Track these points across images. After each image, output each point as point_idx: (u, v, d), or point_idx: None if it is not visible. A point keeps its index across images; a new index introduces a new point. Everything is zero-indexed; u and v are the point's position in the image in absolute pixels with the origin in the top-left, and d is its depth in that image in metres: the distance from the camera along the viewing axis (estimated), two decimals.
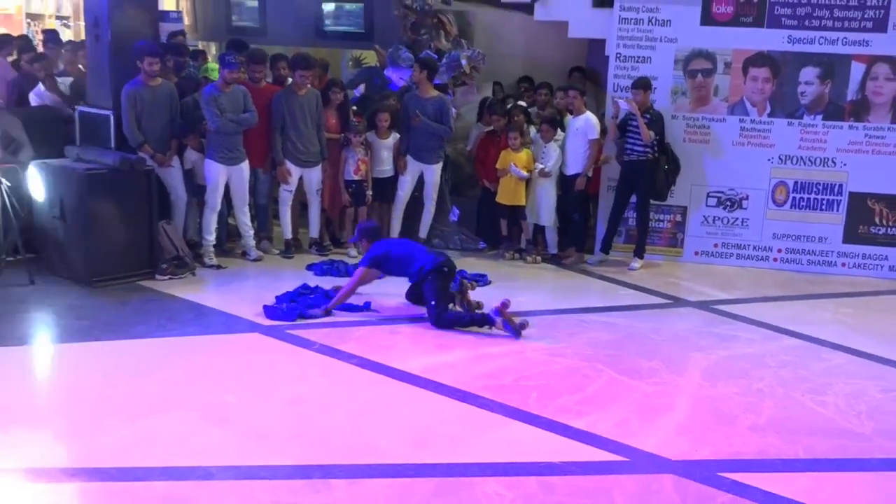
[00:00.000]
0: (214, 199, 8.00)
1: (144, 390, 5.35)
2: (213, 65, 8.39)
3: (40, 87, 8.70)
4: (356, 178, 8.63)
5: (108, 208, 7.29)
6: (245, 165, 8.08)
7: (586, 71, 9.68)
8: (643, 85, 8.45)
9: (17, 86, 8.92)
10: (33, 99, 8.63)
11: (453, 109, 8.90)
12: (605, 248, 8.81)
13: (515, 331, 6.52)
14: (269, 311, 6.74)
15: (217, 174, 7.93)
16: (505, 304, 6.59)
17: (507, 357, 6.17)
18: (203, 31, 11.58)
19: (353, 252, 8.61)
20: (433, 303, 6.68)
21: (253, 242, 8.37)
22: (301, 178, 8.45)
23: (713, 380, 5.90)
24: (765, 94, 8.79)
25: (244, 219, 8.25)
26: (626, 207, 8.74)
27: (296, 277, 7.78)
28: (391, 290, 7.29)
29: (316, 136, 8.37)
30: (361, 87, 9.39)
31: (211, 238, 8.07)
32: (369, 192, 8.72)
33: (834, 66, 8.64)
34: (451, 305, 6.82)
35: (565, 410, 5.27)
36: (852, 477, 4.72)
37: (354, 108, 9.07)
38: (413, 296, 7.09)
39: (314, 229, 8.71)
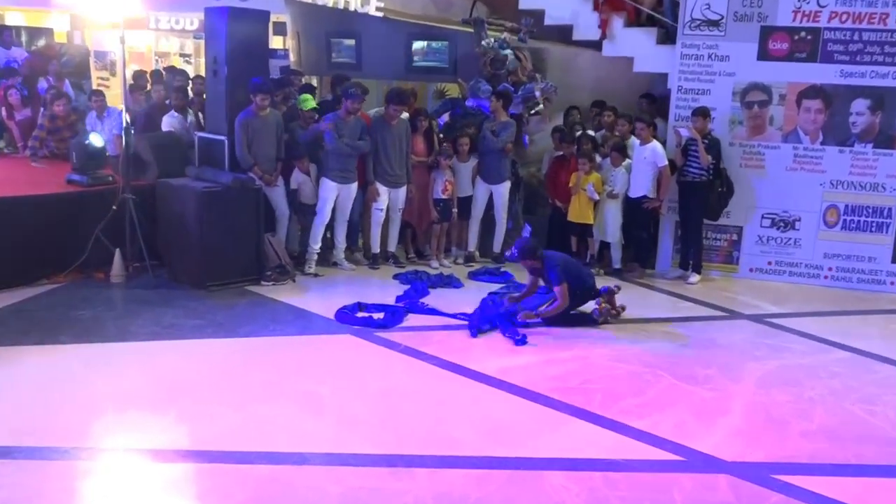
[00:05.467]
0: (324, 213, 8.09)
1: (250, 382, 5.43)
2: (306, 96, 8.40)
3: (174, 112, 8.94)
4: (443, 196, 8.66)
5: (222, 222, 7.43)
6: (355, 186, 8.18)
7: (656, 98, 9.48)
8: (702, 112, 8.30)
9: (147, 115, 9.19)
10: (164, 124, 8.86)
11: (526, 136, 8.85)
12: (685, 264, 8.64)
13: (599, 315, 6.86)
14: (340, 315, 6.81)
15: (330, 190, 8.03)
16: (610, 291, 6.90)
17: (574, 362, 6.09)
18: (306, 67, 11.76)
19: (435, 264, 8.64)
20: (549, 307, 6.87)
21: (343, 255, 8.41)
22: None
23: (766, 387, 5.72)
24: (817, 124, 8.51)
25: (341, 233, 8.31)
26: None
27: (383, 286, 7.84)
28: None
29: (404, 161, 8.42)
30: (446, 116, 9.41)
31: (316, 247, 8.16)
32: (455, 210, 8.74)
33: (884, 98, 8.32)
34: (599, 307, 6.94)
35: (627, 412, 5.17)
36: None
37: (441, 135, 9.09)
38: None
39: (393, 243, 8.73)
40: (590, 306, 7.04)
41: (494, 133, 8.61)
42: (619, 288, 7.19)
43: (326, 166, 8.07)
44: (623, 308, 7.04)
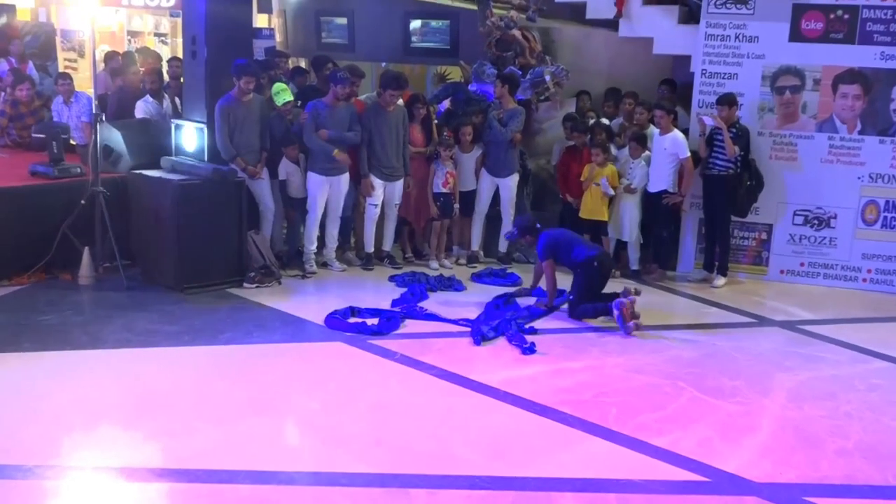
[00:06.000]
0: (316, 210, 8.12)
1: (232, 395, 5.44)
2: (280, 87, 8.14)
3: (148, 97, 8.95)
4: (444, 190, 8.68)
5: (201, 218, 7.45)
6: (345, 178, 8.21)
7: (677, 84, 9.50)
8: (728, 101, 8.31)
9: (119, 101, 9.21)
10: (138, 111, 8.88)
11: (537, 126, 8.87)
12: (709, 266, 8.66)
13: (626, 327, 6.89)
14: (331, 321, 6.83)
15: (318, 185, 8.07)
16: (627, 294, 7.00)
17: (587, 372, 6.10)
18: (293, 48, 11.79)
19: (435, 264, 8.67)
20: (571, 297, 7.26)
21: (333, 255, 8.44)
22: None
23: (798, 401, 5.73)
24: (855, 112, 8.53)
25: (333, 231, 8.35)
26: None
27: (377, 289, 7.86)
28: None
29: (401, 152, 8.44)
30: (446, 103, 9.43)
31: (312, 247, 8.20)
32: (457, 206, 8.76)
33: None
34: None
35: (645, 428, 5.18)
36: None
37: (436, 121, 9.11)
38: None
39: (388, 242, 8.76)
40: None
41: (502, 122, 8.63)
42: (639, 292, 7.19)
43: (311, 158, 8.10)
44: (638, 317, 7.04)
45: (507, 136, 8.59)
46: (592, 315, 7.20)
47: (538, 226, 7.73)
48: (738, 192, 8.41)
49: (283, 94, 8.07)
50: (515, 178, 8.83)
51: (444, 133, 8.78)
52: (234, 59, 7.72)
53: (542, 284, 7.62)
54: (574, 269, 7.34)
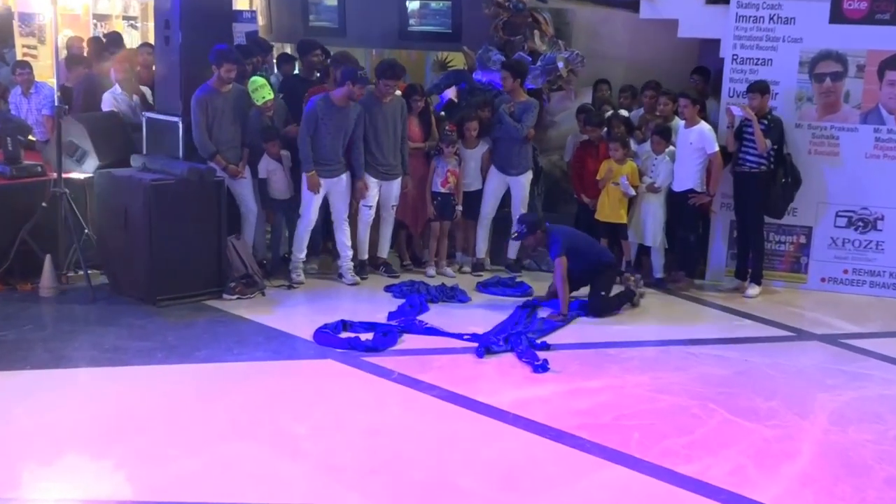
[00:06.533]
0: (309, 216, 8.11)
1: (210, 419, 5.43)
2: (257, 82, 7.98)
3: (117, 88, 8.96)
4: (443, 190, 8.67)
5: (176, 222, 7.44)
6: (345, 178, 8.19)
7: (710, 73, 9.49)
8: (760, 88, 8.30)
9: (84, 92, 9.21)
10: (105, 103, 8.89)
11: (549, 118, 8.85)
12: (742, 273, 8.66)
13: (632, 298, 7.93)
14: (320, 336, 6.83)
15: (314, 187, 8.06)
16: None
17: (607, 392, 6.09)
18: (278, 32, 11.79)
19: (432, 271, 8.70)
20: (603, 293, 7.73)
21: (350, 265, 8.38)
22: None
23: (842, 424, 5.72)
24: None
25: (343, 238, 8.31)
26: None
27: (372, 300, 7.87)
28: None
29: (398, 148, 8.44)
30: (450, 92, 9.40)
31: (301, 255, 8.20)
32: (459, 207, 8.76)
33: None
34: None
35: (671, 454, 5.17)
36: None
37: (442, 113, 9.10)
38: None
39: (384, 248, 8.75)
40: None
41: (514, 116, 8.58)
42: (642, 294, 8.07)
43: None
44: (642, 295, 8.03)
45: (521, 132, 8.56)
46: (618, 308, 7.84)
47: (547, 224, 7.94)
48: (772, 191, 8.42)
49: (262, 90, 7.96)
50: (529, 175, 8.81)
51: (447, 127, 8.77)
52: (213, 44, 7.72)
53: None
54: (597, 267, 7.80)
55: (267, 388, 5.97)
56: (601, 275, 7.79)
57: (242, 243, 7.96)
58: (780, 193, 8.48)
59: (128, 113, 8.77)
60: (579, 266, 7.68)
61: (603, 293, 7.74)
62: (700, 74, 9.38)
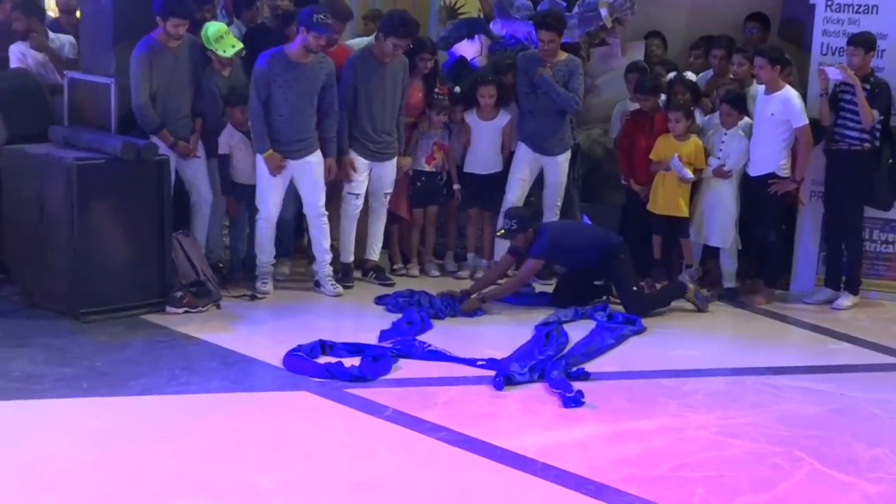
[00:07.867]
0: (268, 208, 8.13)
1: (149, 467, 5.42)
2: (220, 27, 8.00)
3: (22, 43, 8.95)
4: (428, 168, 8.77)
5: (106, 213, 7.47)
6: (315, 158, 8.15)
7: (769, 20, 9.48)
8: (864, 42, 8.31)
9: None
10: (12, 58, 8.89)
11: (589, 81, 8.88)
12: (834, 280, 8.70)
13: (701, 303, 8.21)
14: (292, 362, 6.86)
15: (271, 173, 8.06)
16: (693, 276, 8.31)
17: (662, 435, 6.09)
18: None
19: (415, 271, 8.90)
20: (634, 288, 8.16)
21: (330, 271, 8.40)
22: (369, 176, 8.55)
23: None
24: None
25: (319, 236, 8.32)
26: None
27: (358, 314, 7.91)
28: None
29: (395, 119, 8.47)
30: (463, 48, 9.33)
31: (266, 258, 8.24)
32: (457, 186, 8.86)
33: None
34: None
35: None
36: None
37: (457, 89, 9.08)
38: (569, 289, 8.34)
39: (375, 249, 8.78)
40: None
41: (559, 81, 8.49)
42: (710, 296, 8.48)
43: None
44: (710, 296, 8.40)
45: (575, 103, 8.54)
46: (662, 303, 8.28)
47: (535, 218, 8.47)
48: (876, 176, 8.45)
49: (227, 39, 7.99)
50: (567, 155, 8.83)
51: (436, 90, 8.77)
52: None
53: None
54: (610, 252, 8.19)
55: (223, 428, 5.97)
56: (614, 262, 8.21)
57: (192, 241, 7.99)
58: (887, 179, 8.50)
59: (42, 72, 8.77)
60: (592, 259, 8.23)
61: (634, 288, 8.17)
62: (757, 21, 9.38)
